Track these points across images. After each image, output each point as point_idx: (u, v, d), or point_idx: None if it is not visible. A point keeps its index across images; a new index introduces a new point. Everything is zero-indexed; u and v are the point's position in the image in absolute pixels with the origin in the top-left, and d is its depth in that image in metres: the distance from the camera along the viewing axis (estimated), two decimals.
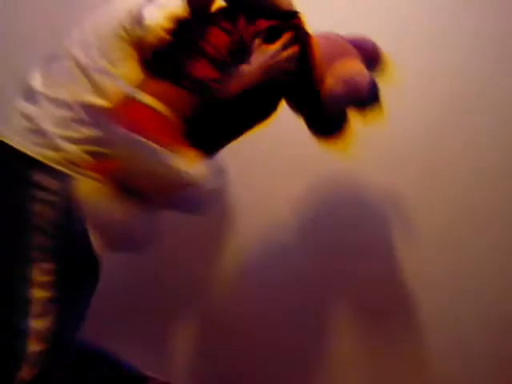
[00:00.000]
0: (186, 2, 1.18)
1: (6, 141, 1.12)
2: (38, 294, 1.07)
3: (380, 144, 1.65)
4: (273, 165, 1.66)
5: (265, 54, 1.20)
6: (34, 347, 1.06)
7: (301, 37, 1.23)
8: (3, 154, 1.12)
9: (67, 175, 1.10)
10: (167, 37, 1.16)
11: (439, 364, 1.57)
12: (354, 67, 1.25)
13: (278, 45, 1.22)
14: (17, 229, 1.09)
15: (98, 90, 1.13)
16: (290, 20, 1.26)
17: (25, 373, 1.05)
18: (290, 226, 1.67)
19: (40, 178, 1.09)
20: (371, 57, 1.31)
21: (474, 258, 1.56)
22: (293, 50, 1.22)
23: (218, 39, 1.18)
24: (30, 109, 1.14)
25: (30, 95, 1.17)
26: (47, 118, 1.12)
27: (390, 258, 1.62)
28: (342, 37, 1.31)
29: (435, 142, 1.61)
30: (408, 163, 1.63)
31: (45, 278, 1.08)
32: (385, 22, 1.67)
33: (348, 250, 1.64)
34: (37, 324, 1.06)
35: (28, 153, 1.09)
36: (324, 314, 1.66)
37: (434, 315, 1.58)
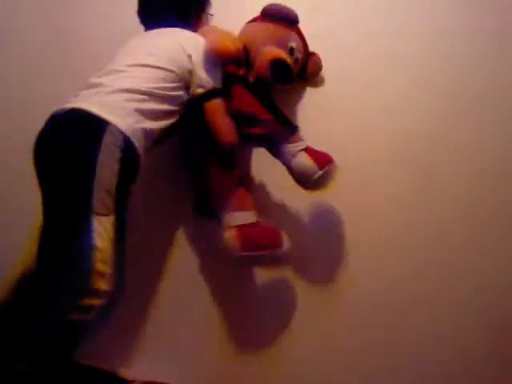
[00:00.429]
0: None
1: (86, 108, 1.34)
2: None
3: (379, 144, 1.65)
4: None
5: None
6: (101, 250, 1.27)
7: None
8: (85, 115, 1.33)
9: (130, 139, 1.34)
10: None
11: (439, 363, 1.57)
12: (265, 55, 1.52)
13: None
14: (84, 169, 1.30)
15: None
16: None
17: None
18: None
19: (110, 136, 1.31)
20: (288, 16, 1.60)
21: (474, 258, 1.56)
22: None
23: None
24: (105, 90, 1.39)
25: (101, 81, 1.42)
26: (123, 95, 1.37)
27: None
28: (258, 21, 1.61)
29: (435, 142, 1.61)
30: (408, 163, 1.63)
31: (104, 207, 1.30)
32: (385, 22, 1.67)
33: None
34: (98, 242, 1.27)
35: (103, 116, 1.32)
36: None
37: (435, 315, 1.58)
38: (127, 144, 1.33)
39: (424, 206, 1.61)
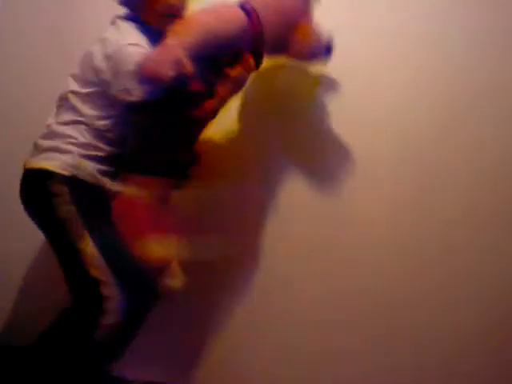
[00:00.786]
0: None
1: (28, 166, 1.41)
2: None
3: (379, 144, 1.65)
4: None
5: (232, 80, 1.43)
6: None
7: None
8: (32, 173, 1.41)
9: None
10: None
11: (439, 363, 1.57)
12: (310, 33, 1.53)
13: (239, 69, 1.43)
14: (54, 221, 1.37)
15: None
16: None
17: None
18: None
19: (54, 183, 1.36)
20: None
21: (474, 258, 1.56)
22: (250, 65, 1.44)
23: None
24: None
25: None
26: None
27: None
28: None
29: (435, 142, 1.61)
30: (408, 163, 1.63)
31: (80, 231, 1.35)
32: (385, 22, 1.67)
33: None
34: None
35: (43, 166, 1.37)
36: None
37: (435, 315, 1.58)
38: (72, 181, 1.37)
39: (424, 206, 1.61)
